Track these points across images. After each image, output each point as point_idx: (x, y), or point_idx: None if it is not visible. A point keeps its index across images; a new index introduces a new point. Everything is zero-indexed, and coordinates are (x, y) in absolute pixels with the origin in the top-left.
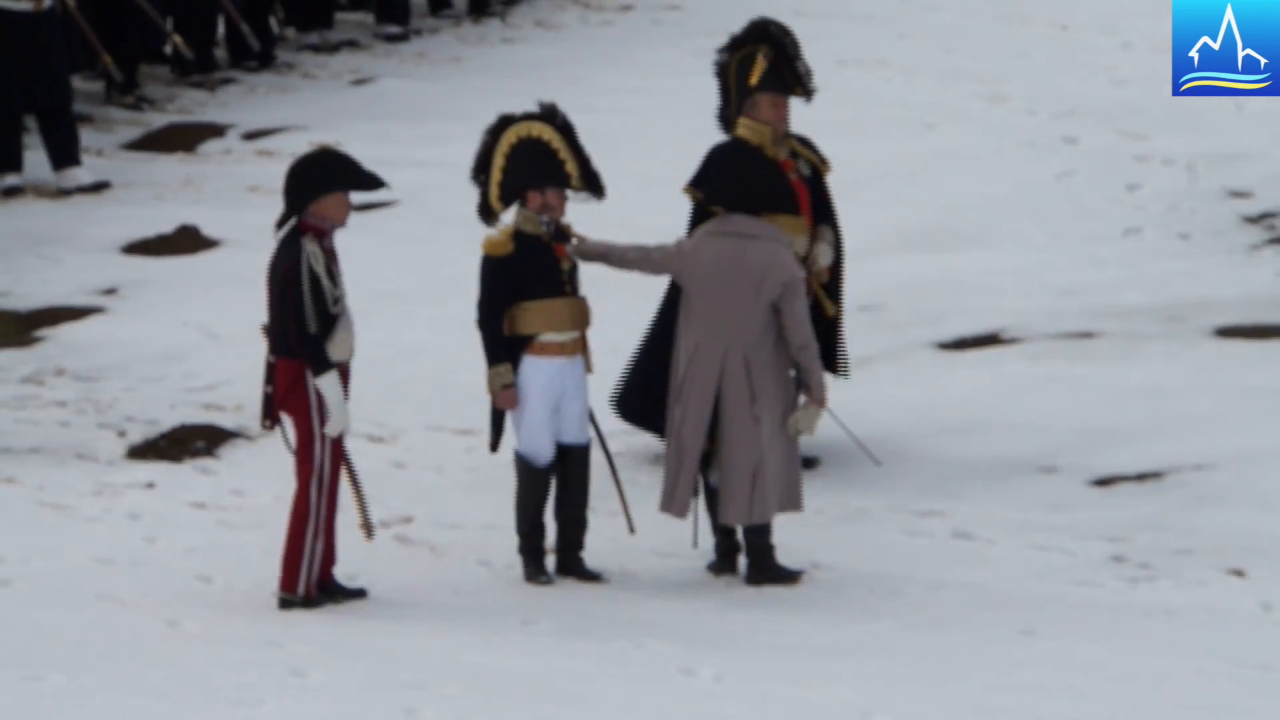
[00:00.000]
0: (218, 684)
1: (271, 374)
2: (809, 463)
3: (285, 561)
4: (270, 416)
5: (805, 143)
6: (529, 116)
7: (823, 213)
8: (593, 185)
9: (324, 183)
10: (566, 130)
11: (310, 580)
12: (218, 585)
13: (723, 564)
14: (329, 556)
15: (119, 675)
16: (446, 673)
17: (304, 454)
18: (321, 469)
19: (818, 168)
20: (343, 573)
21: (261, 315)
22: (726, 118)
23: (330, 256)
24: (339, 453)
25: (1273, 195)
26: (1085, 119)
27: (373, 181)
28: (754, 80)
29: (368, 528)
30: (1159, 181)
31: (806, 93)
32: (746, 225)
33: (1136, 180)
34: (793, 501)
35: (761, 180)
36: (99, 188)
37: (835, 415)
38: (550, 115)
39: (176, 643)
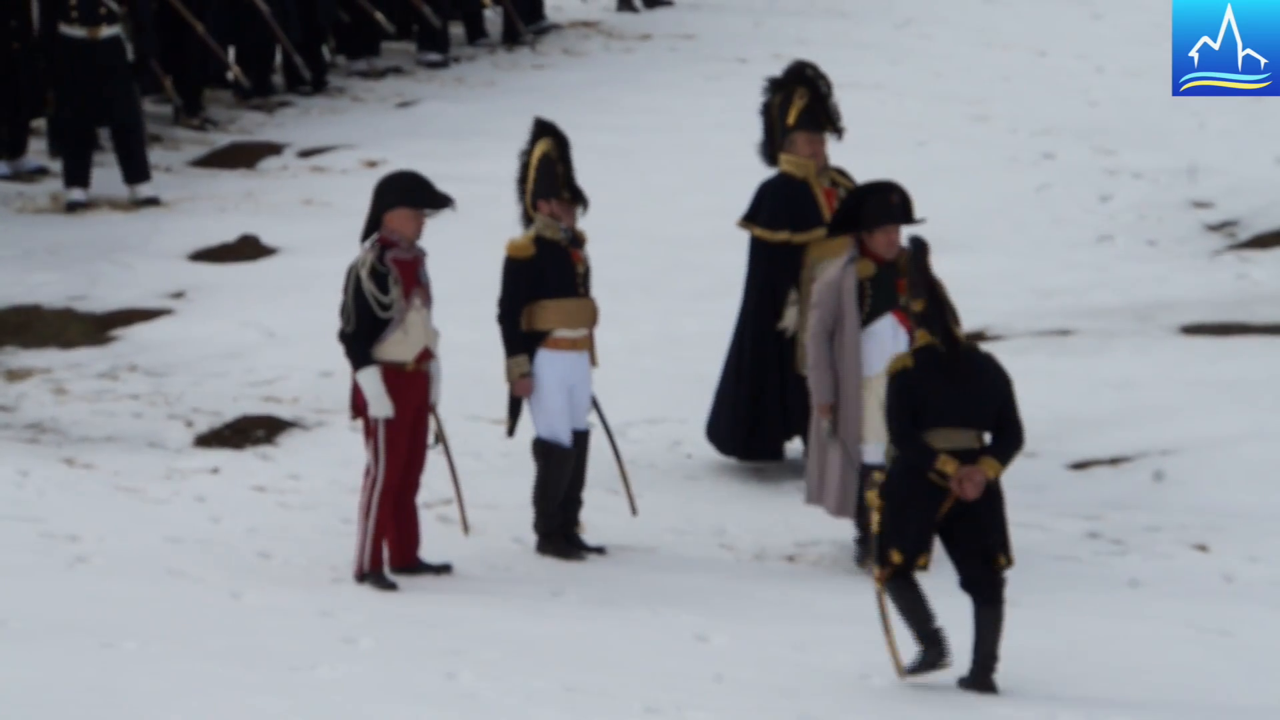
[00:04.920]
0: (276, 650)
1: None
2: None
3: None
4: (353, 409)
5: (843, 173)
6: (545, 132)
7: None
8: (577, 197)
9: (393, 198)
10: (563, 145)
11: (363, 559)
12: (276, 561)
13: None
14: (411, 538)
15: (186, 642)
16: (483, 639)
17: (365, 442)
18: (375, 455)
19: None
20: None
21: (315, 316)
22: (770, 153)
23: (404, 268)
24: (398, 447)
25: (1232, 205)
26: (1061, 137)
27: (438, 200)
28: (791, 120)
29: (463, 524)
30: (1129, 193)
31: (837, 131)
32: None
33: (1108, 192)
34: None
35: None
36: (150, 202)
37: None
38: (549, 130)
39: (238, 613)
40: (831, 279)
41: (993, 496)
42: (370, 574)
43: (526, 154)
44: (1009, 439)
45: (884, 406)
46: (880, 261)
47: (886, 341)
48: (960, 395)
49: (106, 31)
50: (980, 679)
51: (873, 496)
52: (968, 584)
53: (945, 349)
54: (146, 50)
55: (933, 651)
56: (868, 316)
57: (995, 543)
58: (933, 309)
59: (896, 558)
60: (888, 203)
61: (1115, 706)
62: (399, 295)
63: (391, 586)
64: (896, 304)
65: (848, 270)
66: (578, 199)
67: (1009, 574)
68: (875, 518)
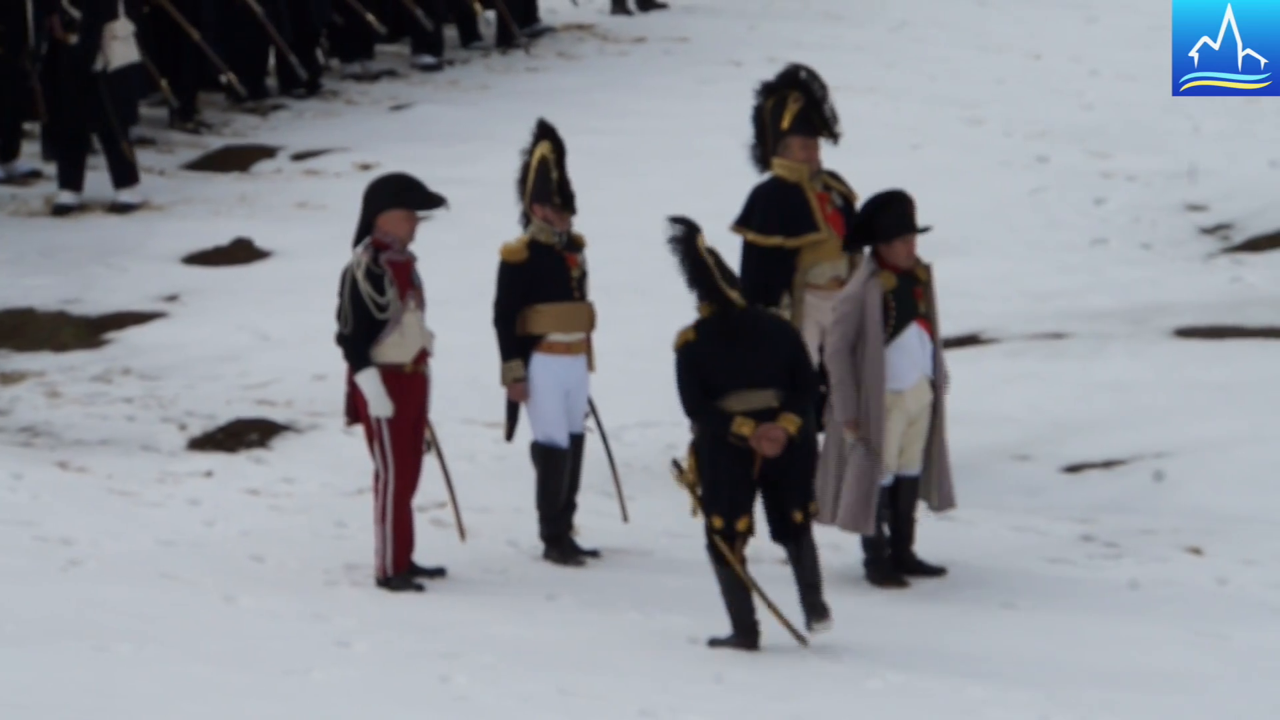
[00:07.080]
0: (270, 653)
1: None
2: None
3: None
4: (348, 414)
5: (836, 176)
6: (545, 134)
7: None
8: (567, 204)
9: (386, 200)
10: (560, 150)
11: (385, 563)
12: (270, 564)
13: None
14: (406, 542)
15: (180, 646)
16: (477, 643)
17: (369, 447)
18: (383, 458)
19: (849, 198)
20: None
21: (309, 320)
22: (762, 157)
23: (398, 270)
24: (405, 449)
25: (1226, 209)
26: (1056, 140)
27: (430, 201)
28: (785, 124)
29: (459, 529)
30: (1123, 196)
31: (833, 136)
32: None
33: (1103, 195)
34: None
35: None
36: (122, 208)
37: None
38: (549, 133)
39: (232, 616)
40: (853, 294)
41: (799, 453)
42: (395, 578)
43: (527, 154)
44: (801, 391)
45: (676, 382)
46: (899, 272)
47: (915, 351)
48: (747, 358)
49: (74, 38)
50: (810, 606)
51: (686, 474)
52: (776, 536)
53: (724, 315)
54: (84, 55)
55: (744, 640)
56: (894, 329)
57: (794, 499)
58: (706, 283)
59: (718, 523)
60: (905, 212)
61: (1110, 709)
62: (395, 296)
63: (419, 589)
64: (918, 313)
65: (870, 284)
66: (568, 206)
67: (997, 575)
68: (690, 494)
